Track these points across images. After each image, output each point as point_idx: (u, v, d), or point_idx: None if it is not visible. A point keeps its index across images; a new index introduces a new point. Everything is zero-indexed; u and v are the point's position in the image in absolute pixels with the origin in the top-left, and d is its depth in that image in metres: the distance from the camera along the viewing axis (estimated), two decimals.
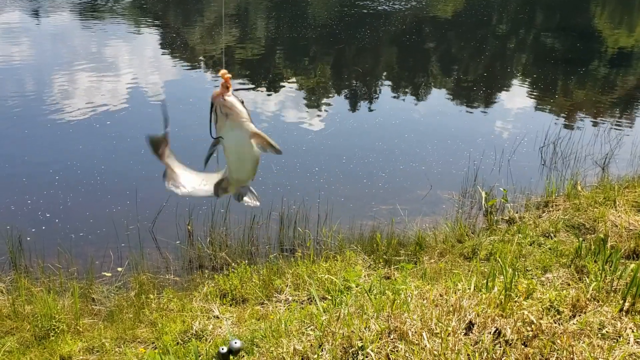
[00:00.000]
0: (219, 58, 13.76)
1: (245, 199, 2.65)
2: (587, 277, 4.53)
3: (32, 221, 6.50)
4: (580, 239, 5.57)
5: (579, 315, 3.78)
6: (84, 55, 13.58)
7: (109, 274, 5.60)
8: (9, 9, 18.21)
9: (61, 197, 7.02)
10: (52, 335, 4.46)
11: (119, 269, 5.64)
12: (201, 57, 14.37)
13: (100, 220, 6.58)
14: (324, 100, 11.81)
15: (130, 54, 14.10)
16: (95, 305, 5.08)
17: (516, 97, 12.19)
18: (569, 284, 4.74)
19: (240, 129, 2.38)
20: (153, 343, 4.36)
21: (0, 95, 10.53)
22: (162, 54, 14.31)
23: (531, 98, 12.19)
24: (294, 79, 12.89)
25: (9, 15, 17.30)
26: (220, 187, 2.56)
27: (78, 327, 4.62)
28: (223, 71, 2.34)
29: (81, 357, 4.26)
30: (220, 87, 2.35)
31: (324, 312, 3.85)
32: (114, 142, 8.64)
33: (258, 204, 2.65)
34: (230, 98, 2.35)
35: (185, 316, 4.56)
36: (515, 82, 13.51)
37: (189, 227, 6.31)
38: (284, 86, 12.26)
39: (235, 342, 3.63)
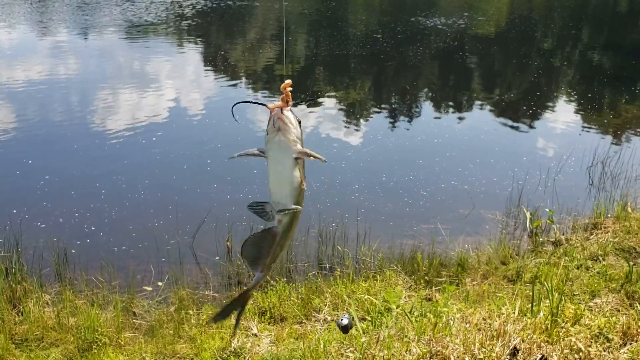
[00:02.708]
0: (260, 76, 13.89)
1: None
2: (639, 304, 4.37)
3: (78, 234, 6.65)
4: (631, 263, 5.38)
5: (630, 344, 3.65)
6: (129, 73, 13.95)
7: (150, 289, 5.66)
8: (62, 29, 18.89)
9: (106, 210, 7.17)
10: (95, 348, 4.53)
11: (160, 284, 5.70)
12: (242, 76, 14.55)
13: (142, 234, 6.69)
14: (365, 117, 11.79)
15: (174, 72, 14.41)
16: (136, 319, 5.13)
17: (562, 115, 11.89)
18: (618, 310, 4.58)
19: (286, 147, 2.30)
20: (192, 359, 4.37)
21: (50, 110, 10.90)
22: (205, 73, 14.55)
23: (578, 116, 11.89)
24: (335, 94, 12.92)
25: (60, 36, 17.90)
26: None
27: (119, 341, 4.68)
28: (287, 82, 2.28)
29: None
30: (281, 100, 2.30)
31: (364, 333, 3.79)
32: (157, 158, 8.81)
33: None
34: (288, 113, 2.29)
35: (224, 333, 4.57)
36: (561, 99, 13.21)
37: (228, 243, 6.34)
38: (325, 102, 12.27)
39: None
